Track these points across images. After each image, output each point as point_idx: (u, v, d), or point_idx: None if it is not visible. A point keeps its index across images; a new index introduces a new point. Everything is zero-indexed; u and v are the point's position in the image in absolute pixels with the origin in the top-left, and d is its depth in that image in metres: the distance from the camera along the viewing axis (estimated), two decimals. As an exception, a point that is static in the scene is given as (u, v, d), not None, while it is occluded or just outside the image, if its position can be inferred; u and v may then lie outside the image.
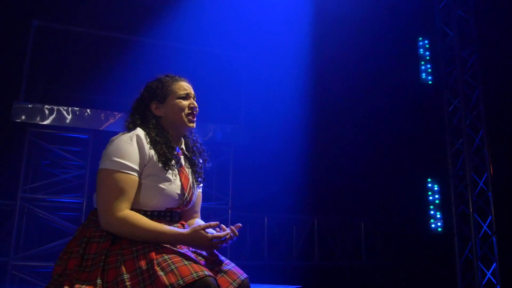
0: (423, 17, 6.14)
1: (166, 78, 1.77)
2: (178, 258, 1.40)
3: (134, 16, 5.44)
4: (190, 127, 1.73)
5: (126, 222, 1.45)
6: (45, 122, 4.57)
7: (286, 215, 6.01)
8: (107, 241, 1.45)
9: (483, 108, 5.37)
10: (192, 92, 1.77)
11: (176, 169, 1.63)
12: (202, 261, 1.55)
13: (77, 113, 4.70)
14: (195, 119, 1.74)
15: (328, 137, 6.51)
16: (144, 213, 1.55)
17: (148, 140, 1.59)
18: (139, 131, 1.59)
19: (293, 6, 5.92)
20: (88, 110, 4.74)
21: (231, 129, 5.27)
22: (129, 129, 1.63)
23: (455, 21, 5.68)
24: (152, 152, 1.57)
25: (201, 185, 1.84)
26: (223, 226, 1.62)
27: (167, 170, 1.58)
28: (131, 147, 1.54)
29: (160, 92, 1.72)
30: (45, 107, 4.59)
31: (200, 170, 1.76)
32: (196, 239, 1.47)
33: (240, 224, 1.63)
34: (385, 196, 6.44)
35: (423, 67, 6.10)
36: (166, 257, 1.40)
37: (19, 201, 4.48)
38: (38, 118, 4.53)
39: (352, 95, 6.54)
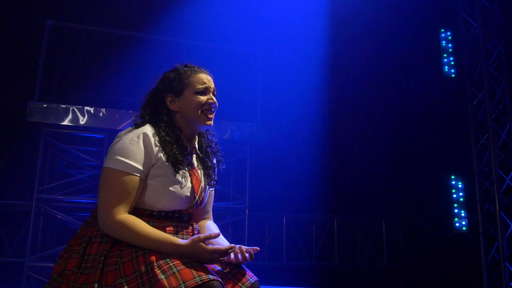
0: (445, 7, 6.00)
1: (185, 68, 1.66)
2: (180, 261, 1.33)
3: (149, 14, 5.44)
4: (207, 125, 1.62)
5: (124, 226, 1.39)
6: (60, 122, 4.60)
7: (304, 214, 5.95)
8: (109, 242, 1.40)
9: (509, 101, 5.23)
10: (212, 85, 1.65)
11: (187, 171, 1.56)
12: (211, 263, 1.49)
13: (92, 112, 4.72)
14: (212, 116, 1.63)
15: (347, 134, 6.43)
16: (151, 213, 1.50)
17: (157, 139, 1.51)
18: (148, 129, 1.52)
19: (309, 2, 5.86)
20: (103, 110, 4.75)
21: (247, 127, 5.24)
22: (137, 125, 1.56)
23: (479, 11, 5.54)
24: (161, 152, 1.50)
25: (213, 186, 1.77)
26: (241, 247, 1.52)
27: (177, 172, 1.50)
28: (137, 146, 1.47)
29: (176, 84, 1.62)
30: (60, 106, 4.62)
31: (212, 172, 1.68)
32: (195, 251, 1.38)
33: (258, 248, 1.54)
34: (407, 194, 6.34)
35: (445, 60, 5.97)
36: (167, 259, 1.33)
37: (35, 202, 4.51)
38: (53, 118, 4.56)
39: (371, 90, 6.45)
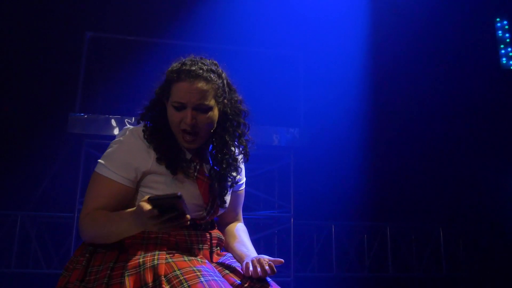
0: (500, -5, 5.71)
1: (173, 69, 1.42)
2: (192, 274, 1.21)
3: (188, 21, 5.47)
4: (185, 147, 1.43)
5: (89, 218, 1.31)
6: (101, 133, 4.67)
7: (355, 222, 5.76)
8: (114, 250, 1.30)
9: None
10: (196, 98, 1.36)
11: (191, 176, 1.41)
12: (230, 277, 1.34)
13: (132, 122, 4.76)
14: (190, 139, 1.39)
15: (395, 135, 6.21)
16: None
17: (150, 140, 1.39)
18: (139, 131, 1.40)
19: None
20: (143, 119, 4.77)
21: (290, 132, 5.13)
22: (137, 123, 1.47)
23: (540, -3, 5.22)
24: (152, 153, 1.38)
25: (243, 186, 1.64)
26: (260, 259, 1.34)
27: (176, 178, 1.37)
28: (121, 149, 1.38)
29: (165, 87, 1.45)
30: (101, 117, 4.69)
31: (229, 178, 1.51)
32: (137, 215, 1.21)
33: (282, 260, 1.38)
34: (466, 200, 6.02)
35: (502, 51, 5.71)
36: (177, 272, 1.22)
37: (77, 213, 4.57)
38: (94, 129, 4.63)
39: (419, 88, 6.20)
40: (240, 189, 1.63)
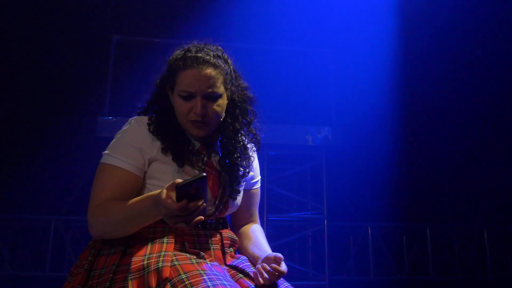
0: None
1: (177, 57, 1.37)
2: (199, 278, 1.12)
3: (215, 22, 5.46)
4: (195, 135, 1.38)
5: (101, 208, 1.24)
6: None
7: (392, 223, 5.60)
8: (117, 253, 1.23)
9: None
10: (205, 86, 1.31)
11: (199, 169, 1.35)
12: (244, 280, 1.24)
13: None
14: (203, 126, 1.34)
15: (432, 132, 6.02)
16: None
17: (153, 127, 1.34)
18: (142, 117, 1.38)
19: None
20: (172, 121, 4.80)
21: (322, 131, 5.06)
22: (138, 114, 1.42)
23: None
24: (157, 143, 1.32)
25: (258, 185, 1.55)
26: (259, 268, 1.25)
27: (182, 170, 1.31)
28: (124, 136, 1.33)
29: (168, 76, 1.39)
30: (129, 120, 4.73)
31: (242, 172, 1.43)
32: (158, 203, 1.13)
33: (281, 256, 1.26)
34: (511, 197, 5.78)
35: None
36: (183, 276, 1.14)
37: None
38: (123, 133, 4.67)
39: (457, 84, 6.00)
40: (254, 187, 1.55)
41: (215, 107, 1.35)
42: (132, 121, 1.39)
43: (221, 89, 1.36)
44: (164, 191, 1.12)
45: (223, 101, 1.38)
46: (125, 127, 1.39)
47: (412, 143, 5.79)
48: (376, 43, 5.69)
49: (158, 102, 1.44)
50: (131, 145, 1.33)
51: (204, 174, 1.09)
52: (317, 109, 5.28)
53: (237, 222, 1.55)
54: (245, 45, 5.24)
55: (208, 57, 1.35)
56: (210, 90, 1.33)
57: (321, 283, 4.69)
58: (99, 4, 5.45)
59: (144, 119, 1.39)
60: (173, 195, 1.10)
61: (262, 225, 4.83)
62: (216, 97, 1.35)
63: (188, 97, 1.33)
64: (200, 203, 1.11)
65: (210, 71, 1.33)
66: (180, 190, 1.09)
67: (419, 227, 5.66)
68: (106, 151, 1.35)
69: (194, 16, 5.48)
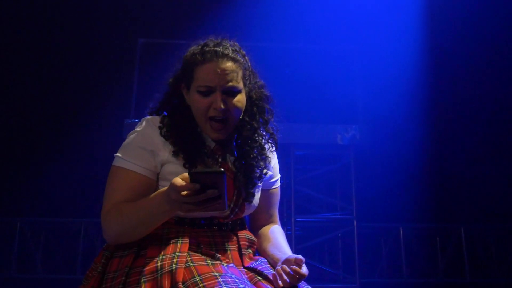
0: None
1: (194, 51, 1.33)
2: (213, 281, 1.08)
3: (240, 22, 5.47)
4: (212, 137, 1.33)
5: (114, 211, 1.23)
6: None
7: (425, 224, 5.48)
8: (130, 254, 1.21)
9: None
10: (225, 80, 1.27)
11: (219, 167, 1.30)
12: (262, 283, 1.20)
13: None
14: (220, 127, 1.30)
15: (465, 129, 5.86)
16: (180, 220, 1.29)
17: (165, 129, 1.31)
18: (156, 120, 1.33)
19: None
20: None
21: (349, 129, 4.99)
22: (150, 114, 1.39)
23: None
24: (169, 143, 1.29)
25: (277, 184, 1.49)
26: (278, 270, 1.20)
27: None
28: (135, 138, 1.31)
29: (184, 72, 1.35)
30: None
31: (252, 173, 1.36)
32: (171, 191, 1.10)
33: (302, 258, 1.21)
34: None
35: None
36: (197, 278, 1.10)
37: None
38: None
39: (488, 79, 5.84)
40: (274, 187, 1.49)
41: (235, 102, 1.31)
42: (144, 122, 1.35)
43: (240, 84, 1.32)
44: (177, 177, 1.10)
45: (243, 97, 1.34)
46: (137, 128, 1.35)
47: (443, 140, 5.66)
48: (402, 39, 5.59)
49: (171, 101, 1.41)
50: (142, 148, 1.30)
51: (222, 169, 1.05)
52: (344, 107, 5.21)
53: (256, 223, 1.50)
54: (271, 45, 5.24)
55: (227, 51, 1.31)
56: (230, 84, 1.29)
57: (352, 285, 4.63)
58: (124, 8, 5.54)
59: (156, 119, 1.35)
60: (187, 179, 1.08)
61: (289, 226, 4.83)
62: (236, 92, 1.31)
63: (207, 92, 1.29)
64: (214, 192, 1.07)
65: (230, 64, 1.30)
66: (194, 178, 1.06)
67: (454, 227, 5.52)
68: (117, 153, 1.32)
69: (219, 17, 5.51)
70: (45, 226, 5.13)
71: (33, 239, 5.06)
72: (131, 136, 1.34)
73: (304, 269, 1.20)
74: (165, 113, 1.39)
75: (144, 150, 1.29)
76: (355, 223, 4.84)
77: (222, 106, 1.28)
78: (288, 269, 1.19)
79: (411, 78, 5.60)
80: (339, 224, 5.12)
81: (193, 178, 1.06)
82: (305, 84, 4.98)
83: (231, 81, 1.29)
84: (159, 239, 1.25)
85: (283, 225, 5.15)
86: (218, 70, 1.28)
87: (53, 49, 5.47)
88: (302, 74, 5.02)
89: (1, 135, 5.32)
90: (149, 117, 1.37)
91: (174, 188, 1.08)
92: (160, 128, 1.32)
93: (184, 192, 1.07)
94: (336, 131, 4.84)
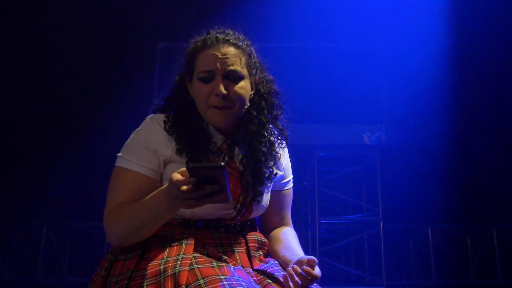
0: None
1: (196, 41, 1.30)
2: (218, 284, 1.04)
3: (261, 23, 5.47)
4: (216, 126, 1.28)
5: (116, 212, 1.19)
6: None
7: (454, 225, 5.38)
8: (134, 257, 1.18)
9: None
10: (226, 64, 1.23)
11: (223, 161, 1.25)
12: (272, 286, 1.15)
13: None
14: (223, 113, 1.25)
15: (493, 128, 5.73)
16: (185, 222, 1.24)
17: (169, 125, 1.26)
18: (159, 118, 1.28)
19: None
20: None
21: (375, 129, 4.94)
22: (154, 112, 1.34)
23: None
24: (173, 141, 1.25)
25: (289, 185, 1.44)
26: (289, 270, 1.15)
27: None
28: (138, 137, 1.26)
29: (188, 64, 1.31)
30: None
31: (260, 170, 1.30)
32: (170, 187, 1.06)
33: (315, 259, 1.16)
34: None
35: None
36: (201, 281, 1.06)
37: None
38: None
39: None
40: (286, 188, 1.44)
41: (237, 88, 1.25)
42: (147, 120, 1.30)
43: (244, 70, 1.27)
44: (176, 172, 1.07)
45: (246, 85, 1.28)
46: (140, 126, 1.31)
47: (472, 138, 5.54)
48: (427, 37, 5.50)
49: (176, 98, 1.36)
50: (145, 147, 1.25)
51: (222, 163, 1.00)
52: (369, 107, 5.15)
53: (268, 226, 1.45)
54: (295, 45, 5.22)
55: (229, 37, 1.28)
56: (231, 68, 1.24)
57: (379, 288, 4.59)
58: (144, 12, 5.61)
59: (160, 117, 1.29)
60: (186, 174, 1.04)
61: (314, 228, 4.78)
62: (238, 77, 1.25)
63: (208, 78, 1.24)
64: (214, 187, 1.02)
65: (231, 49, 1.26)
66: (192, 172, 1.01)
67: (485, 227, 5.40)
68: (119, 153, 1.28)
69: (239, 19, 5.51)
70: (71, 231, 5.23)
71: (59, 244, 5.16)
72: (133, 135, 1.30)
73: (317, 271, 1.15)
74: (171, 112, 1.34)
75: (147, 149, 1.25)
76: (381, 224, 4.78)
77: (223, 91, 1.22)
78: (299, 270, 1.14)
79: (437, 76, 5.51)
80: (365, 225, 5.09)
81: (191, 172, 1.01)
82: (328, 84, 4.95)
83: (232, 65, 1.24)
84: (163, 241, 1.22)
85: (308, 227, 5.13)
86: (219, 54, 1.24)
87: (72, 53, 5.54)
88: (325, 74, 4.99)
89: (31, 140, 5.45)
90: (152, 115, 1.33)
91: (173, 183, 1.05)
92: (164, 122, 1.28)
93: (184, 187, 1.03)
94: (362, 131, 4.80)
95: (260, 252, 1.33)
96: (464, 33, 5.56)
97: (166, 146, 1.26)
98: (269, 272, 1.21)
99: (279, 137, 1.38)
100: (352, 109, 4.91)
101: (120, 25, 5.58)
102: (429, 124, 5.45)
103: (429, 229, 5.28)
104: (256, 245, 1.32)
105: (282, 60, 5.01)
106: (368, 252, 5.08)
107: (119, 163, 1.27)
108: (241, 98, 1.26)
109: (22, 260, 5.14)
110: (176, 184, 1.04)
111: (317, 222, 4.66)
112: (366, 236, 5.10)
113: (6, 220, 5.22)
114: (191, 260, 1.13)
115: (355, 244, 5.23)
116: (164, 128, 1.27)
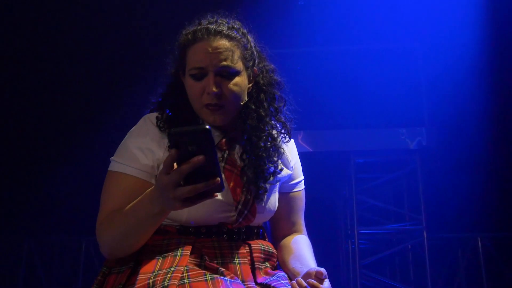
0: None
1: (186, 32, 1.22)
2: None
3: (296, 28, 5.44)
4: (209, 122, 1.20)
5: (106, 222, 1.13)
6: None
7: (507, 233, 5.15)
8: (126, 270, 1.12)
9: None
10: (217, 60, 1.15)
11: (221, 168, 1.18)
12: None
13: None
14: (218, 110, 1.18)
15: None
16: (183, 229, 1.17)
17: (165, 128, 1.21)
18: (152, 117, 1.24)
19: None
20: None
21: (414, 132, 4.83)
22: (151, 111, 1.28)
23: None
24: (165, 144, 1.19)
25: (300, 187, 1.35)
26: (299, 280, 1.06)
27: None
28: (132, 138, 1.22)
29: (180, 58, 1.24)
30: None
31: (262, 167, 1.22)
32: (160, 188, 0.97)
33: (323, 271, 1.07)
34: None
35: None
36: None
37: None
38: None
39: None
40: (295, 190, 1.36)
41: (231, 86, 1.18)
42: (141, 119, 1.27)
43: (238, 65, 1.19)
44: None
45: (242, 80, 1.21)
46: (133, 127, 1.29)
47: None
48: (467, 37, 5.35)
49: (173, 93, 1.30)
50: (137, 148, 1.20)
51: (207, 126, 0.89)
52: (409, 110, 5.04)
53: (278, 233, 1.37)
54: (330, 48, 5.19)
55: (221, 28, 1.19)
56: (224, 63, 1.16)
57: (425, 302, 4.43)
58: (145, 12, 5.60)
59: (153, 116, 1.25)
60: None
61: (353, 239, 4.69)
62: (232, 73, 1.18)
63: (199, 75, 1.18)
64: (200, 159, 0.90)
65: (223, 42, 1.18)
66: (173, 141, 0.91)
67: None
68: (113, 158, 1.23)
69: (261, 22, 5.49)
70: (84, 245, 5.24)
71: (72, 256, 5.21)
72: (126, 137, 1.27)
73: (326, 284, 1.06)
74: (167, 111, 1.29)
75: (140, 150, 1.20)
76: (425, 234, 4.64)
77: (215, 90, 1.15)
78: (304, 284, 1.05)
79: (480, 77, 5.35)
80: (407, 235, 4.93)
81: (173, 140, 0.91)
82: (363, 87, 4.88)
83: (225, 60, 1.17)
84: (157, 252, 1.15)
85: (346, 238, 5.01)
86: (210, 49, 1.16)
87: (79, 58, 5.47)
88: (360, 77, 4.93)
89: (21, 151, 5.47)
90: (147, 114, 1.29)
91: (160, 172, 0.96)
92: (157, 119, 1.24)
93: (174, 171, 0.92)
94: (402, 135, 4.70)
95: (267, 264, 1.24)
96: (506, 31, 5.37)
97: (158, 145, 1.20)
98: (273, 287, 1.12)
99: (282, 131, 1.30)
100: (390, 112, 4.82)
101: (126, 26, 5.55)
102: (473, 125, 5.27)
103: (479, 238, 5.08)
104: (262, 255, 1.23)
105: (315, 65, 4.99)
106: (413, 264, 4.92)
107: (111, 167, 1.22)
108: (235, 95, 1.20)
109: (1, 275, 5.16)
110: (164, 169, 0.94)
111: (356, 233, 4.57)
112: (410, 247, 4.95)
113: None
114: (182, 273, 1.04)
115: (398, 256, 5.09)
116: (157, 124, 1.22)
